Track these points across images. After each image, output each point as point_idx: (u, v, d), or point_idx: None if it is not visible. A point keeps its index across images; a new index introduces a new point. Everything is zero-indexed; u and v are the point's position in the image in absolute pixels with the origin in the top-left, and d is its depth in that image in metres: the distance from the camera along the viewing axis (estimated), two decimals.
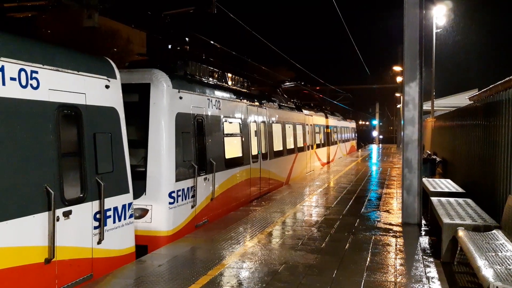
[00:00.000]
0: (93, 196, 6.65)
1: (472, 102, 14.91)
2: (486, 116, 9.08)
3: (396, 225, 9.87)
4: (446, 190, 10.67)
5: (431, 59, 25.22)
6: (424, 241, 8.60)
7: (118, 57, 28.23)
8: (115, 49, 32.54)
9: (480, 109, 9.77)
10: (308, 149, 21.97)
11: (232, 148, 12.10)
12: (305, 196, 14.05)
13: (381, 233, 9.20)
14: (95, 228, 6.68)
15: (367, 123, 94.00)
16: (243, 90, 14.35)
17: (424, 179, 11.81)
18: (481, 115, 9.61)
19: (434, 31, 25.52)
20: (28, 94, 5.64)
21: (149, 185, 8.75)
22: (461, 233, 6.76)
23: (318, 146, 24.57)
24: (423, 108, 10.29)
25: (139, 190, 8.58)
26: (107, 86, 7.11)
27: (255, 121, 14.12)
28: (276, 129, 16.49)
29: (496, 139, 8.00)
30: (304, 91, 34.32)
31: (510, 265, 5.25)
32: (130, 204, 7.49)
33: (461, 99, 25.24)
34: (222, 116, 11.43)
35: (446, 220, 7.45)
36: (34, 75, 5.74)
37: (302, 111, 21.53)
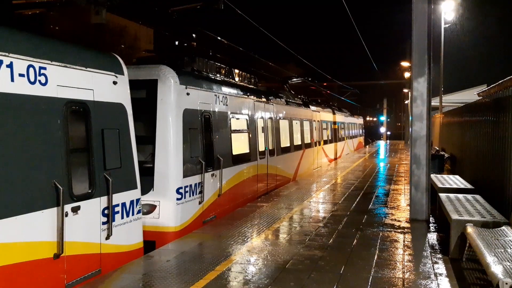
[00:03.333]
0: (101, 191, 6.69)
1: (480, 97, 14.77)
2: (494, 111, 9.00)
3: (404, 221, 9.83)
4: (455, 186, 10.61)
5: (439, 54, 25.03)
6: (432, 237, 8.56)
7: (126, 53, 28.34)
8: (122, 46, 32.67)
9: (489, 104, 9.69)
10: (315, 145, 21.93)
11: (239, 144, 12.10)
12: (312, 192, 14.03)
13: (389, 229, 9.18)
14: (104, 223, 6.72)
15: (375, 119, 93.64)
16: (250, 86, 14.34)
17: (432, 175, 11.75)
18: (489, 110, 9.53)
19: (443, 26, 25.32)
20: (36, 90, 5.67)
21: (156, 181, 8.78)
22: (469, 229, 6.72)
23: (325, 142, 24.51)
24: (432, 103, 10.22)
25: (147, 186, 8.62)
26: (114, 82, 7.14)
27: (262, 117, 14.11)
28: (283, 125, 16.46)
29: (505, 134, 7.93)
30: (312, 87, 34.24)
31: None
32: (138, 200, 7.53)
33: (470, 95, 25.01)
34: (229, 112, 11.43)
35: (454, 216, 7.41)
36: (42, 71, 5.76)
37: (309, 107, 21.47)
